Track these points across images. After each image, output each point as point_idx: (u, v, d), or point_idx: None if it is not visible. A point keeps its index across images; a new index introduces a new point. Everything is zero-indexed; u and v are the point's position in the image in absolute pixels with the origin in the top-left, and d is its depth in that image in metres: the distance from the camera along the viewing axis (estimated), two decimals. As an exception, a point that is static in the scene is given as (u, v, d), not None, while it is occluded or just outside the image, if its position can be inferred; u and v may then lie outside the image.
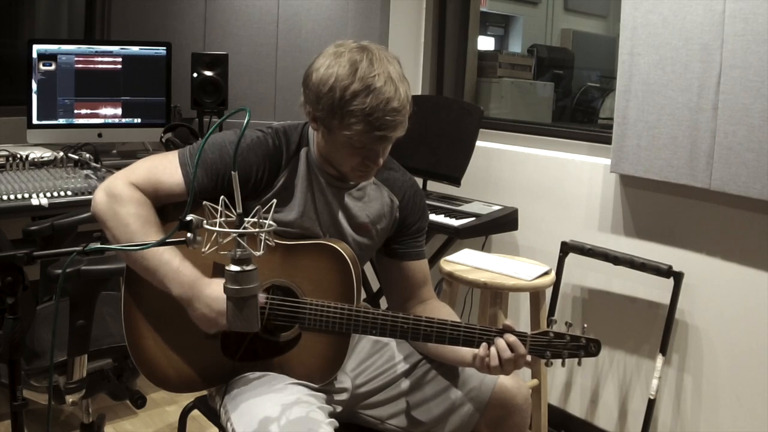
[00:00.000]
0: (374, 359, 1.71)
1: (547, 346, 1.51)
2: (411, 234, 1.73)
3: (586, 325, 1.56)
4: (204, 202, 1.28)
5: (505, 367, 1.49)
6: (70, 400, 1.85)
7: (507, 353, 1.48)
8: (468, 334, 1.51)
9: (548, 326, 1.54)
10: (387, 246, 1.74)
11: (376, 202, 1.68)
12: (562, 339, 1.51)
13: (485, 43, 5.29)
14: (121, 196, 1.50)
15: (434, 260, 2.72)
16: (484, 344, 1.50)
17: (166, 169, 1.54)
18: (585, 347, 1.52)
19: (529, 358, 1.50)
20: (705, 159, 2.26)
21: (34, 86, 2.77)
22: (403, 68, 1.53)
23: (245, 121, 1.20)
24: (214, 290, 1.47)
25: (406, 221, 1.72)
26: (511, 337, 1.49)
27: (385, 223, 1.70)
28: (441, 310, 1.69)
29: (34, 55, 2.75)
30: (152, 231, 1.49)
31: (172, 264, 1.48)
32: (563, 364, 1.54)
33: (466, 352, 1.55)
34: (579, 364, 1.54)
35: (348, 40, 1.54)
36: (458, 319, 1.59)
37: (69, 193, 2.36)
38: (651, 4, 2.37)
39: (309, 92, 1.52)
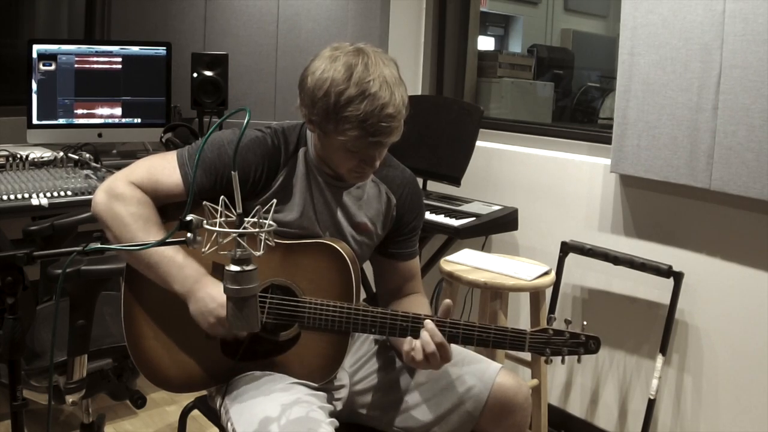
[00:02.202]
0: (373, 357, 1.71)
1: (546, 344, 1.51)
2: (405, 233, 1.74)
3: (585, 323, 1.55)
4: (204, 202, 1.28)
5: (431, 360, 1.48)
6: (70, 400, 1.85)
7: (430, 347, 1.46)
8: (468, 333, 1.51)
9: (547, 323, 1.53)
10: (382, 245, 1.74)
11: (374, 201, 1.69)
12: (562, 336, 1.51)
13: (485, 43, 5.29)
14: (123, 196, 1.50)
15: (434, 260, 2.72)
16: (409, 338, 1.50)
17: (165, 169, 1.54)
18: (584, 344, 1.51)
19: (448, 345, 1.48)
20: (705, 159, 2.26)
21: (34, 86, 2.77)
22: (403, 68, 1.53)
23: (245, 121, 1.20)
24: (216, 289, 1.48)
25: (403, 220, 1.72)
26: (430, 324, 1.48)
27: (383, 222, 1.70)
28: (417, 306, 1.69)
29: (34, 55, 2.75)
30: (153, 230, 1.49)
31: (176, 260, 1.49)
32: (563, 362, 1.54)
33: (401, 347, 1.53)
34: (579, 361, 1.54)
35: (344, 42, 1.53)
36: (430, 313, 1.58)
37: (69, 193, 2.36)
38: (651, 4, 2.37)
39: (305, 96, 1.51)
